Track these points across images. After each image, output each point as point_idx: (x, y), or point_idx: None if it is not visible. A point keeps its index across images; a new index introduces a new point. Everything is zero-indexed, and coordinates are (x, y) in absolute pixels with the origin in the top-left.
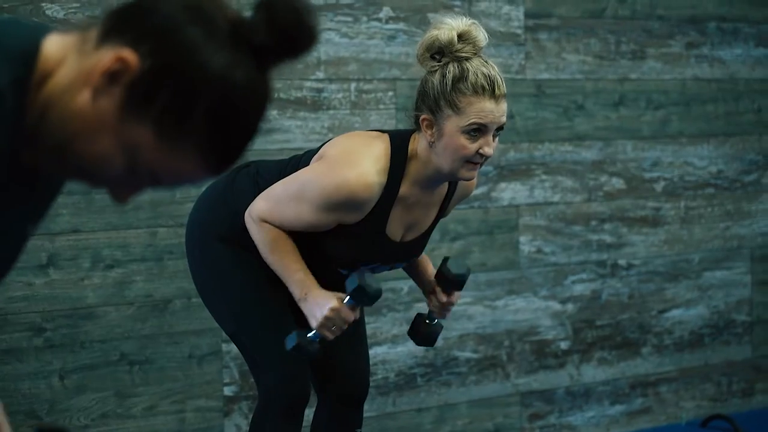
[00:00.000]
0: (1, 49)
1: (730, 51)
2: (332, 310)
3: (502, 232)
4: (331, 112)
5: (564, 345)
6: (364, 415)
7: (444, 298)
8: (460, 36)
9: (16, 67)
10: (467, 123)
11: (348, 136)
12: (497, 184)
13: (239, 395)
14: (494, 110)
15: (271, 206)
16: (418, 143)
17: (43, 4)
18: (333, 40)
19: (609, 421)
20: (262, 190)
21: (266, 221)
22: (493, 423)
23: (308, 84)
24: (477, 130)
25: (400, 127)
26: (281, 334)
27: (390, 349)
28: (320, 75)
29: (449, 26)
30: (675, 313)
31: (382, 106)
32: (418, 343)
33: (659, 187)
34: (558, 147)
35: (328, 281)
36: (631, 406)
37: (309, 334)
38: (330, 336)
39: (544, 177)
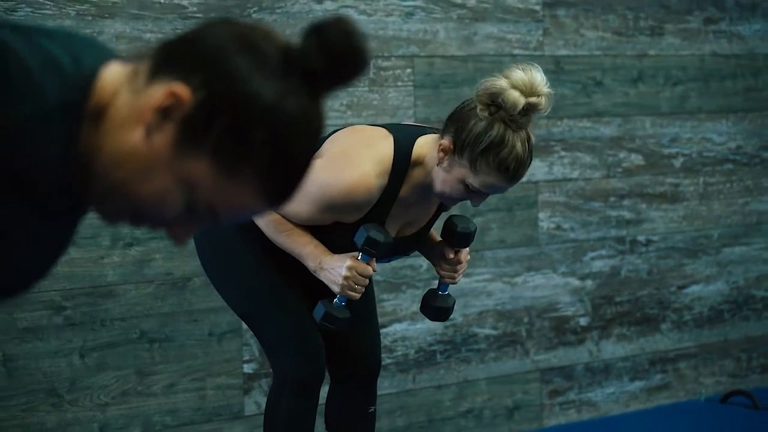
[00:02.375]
0: (59, 67)
1: (749, 26)
2: (349, 268)
3: (520, 208)
4: (349, 89)
5: (583, 321)
6: (384, 392)
7: (452, 255)
8: (527, 106)
9: (71, 90)
10: (474, 185)
11: (352, 132)
12: None
13: (259, 372)
14: (503, 187)
15: None
16: (425, 149)
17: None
18: (351, 17)
19: (628, 397)
20: None
21: (267, 214)
22: (512, 399)
23: None
24: (479, 192)
25: (418, 104)
26: (294, 313)
27: (409, 326)
28: None
29: (523, 89)
30: (694, 288)
31: (399, 83)
32: (430, 318)
33: (678, 163)
34: (576, 123)
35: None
36: (651, 382)
37: (334, 300)
38: (355, 296)
39: (562, 153)
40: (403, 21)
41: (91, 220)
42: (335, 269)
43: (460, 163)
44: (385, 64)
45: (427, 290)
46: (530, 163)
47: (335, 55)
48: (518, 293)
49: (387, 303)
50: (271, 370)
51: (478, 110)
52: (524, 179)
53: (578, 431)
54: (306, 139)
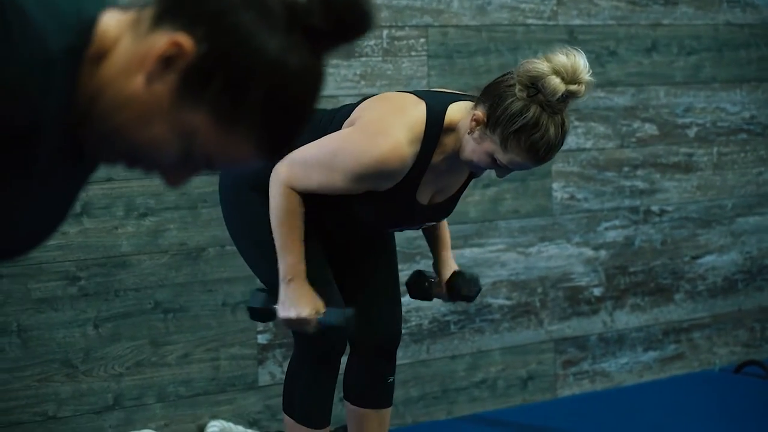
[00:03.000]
0: (59, 13)
1: None
2: (300, 320)
3: (534, 178)
4: (363, 59)
5: (597, 291)
6: (398, 362)
7: (447, 299)
8: (566, 92)
9: (72, 36)
10: (502, 161)
11: (382, 100)
12: None
13: (273, 343)
14: (528, 166)
15: (300, 171)
16: (457, 116)
17: None
18: None
19: (642, 368)
20: None
21: (291, 186)
22: (526, 370)
23: None
24: (505, 167)
25: (432, 74)
26: (317, 282)
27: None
28: None
29: (564, 77)
30: (708, 259)
31: (414, 54)
32: (413, 297)
33: (692, 133)
34: (590, 93)
35: (352, 243)
36: (664, 352)
37: (269, 310)
38: (281, 331)
39: (576, 123)
40: None
41: (104, 191)
42: (294, 302)
43: (491, 138)
44: (399, 33)
45: (416, 272)
46: (561, 147)
47: (339, 14)
48: (532, 263)
49: (401, 273)
50: (285, 341)
51: (516, 90)
52: None
53: (592, 401)
54: (306, 95)
